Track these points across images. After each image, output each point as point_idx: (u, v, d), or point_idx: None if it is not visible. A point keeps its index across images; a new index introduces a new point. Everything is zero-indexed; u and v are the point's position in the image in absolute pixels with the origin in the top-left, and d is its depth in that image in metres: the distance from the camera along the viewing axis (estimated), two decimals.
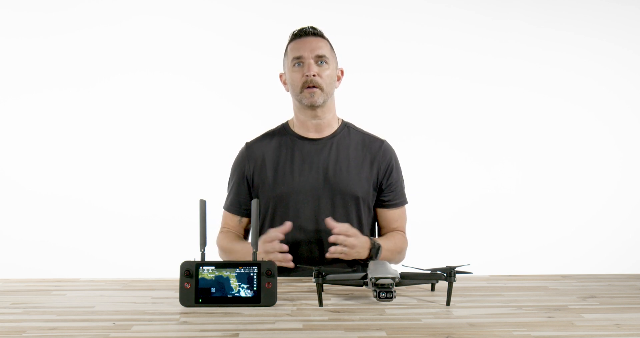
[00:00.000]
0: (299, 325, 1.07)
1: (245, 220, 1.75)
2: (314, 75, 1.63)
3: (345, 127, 1.76)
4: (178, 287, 1.24)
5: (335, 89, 1.73)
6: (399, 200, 1.75)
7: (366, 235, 1.64)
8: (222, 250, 1.72)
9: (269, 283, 1.22)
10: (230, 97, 3.15)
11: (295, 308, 1.20)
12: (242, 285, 1.22)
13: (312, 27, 1.70)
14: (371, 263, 1.31)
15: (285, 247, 1.51)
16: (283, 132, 1.76)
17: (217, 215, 1.77)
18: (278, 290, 1.31)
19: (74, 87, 3.13)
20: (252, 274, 1.22)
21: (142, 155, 3.11)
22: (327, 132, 1.73)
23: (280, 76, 1.77)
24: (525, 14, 3.25)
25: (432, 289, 1.36)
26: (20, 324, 1.09)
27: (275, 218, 1.68)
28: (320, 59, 1.65)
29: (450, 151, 3.24)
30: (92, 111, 3.12)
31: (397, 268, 1.34)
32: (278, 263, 1.52)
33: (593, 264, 2.84)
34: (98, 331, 1.04)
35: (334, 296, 1.30)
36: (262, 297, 1.21)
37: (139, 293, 1.34)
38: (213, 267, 1.22)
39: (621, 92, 3.28)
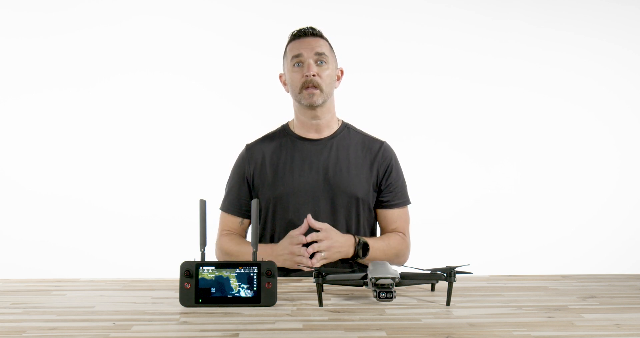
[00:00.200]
0: (299, 325, 1.07)
1: (246, 221, 1.75)
2: (313, 75, 1.63)
3: (345, 128, 1.77)
4: (178, 287, 1.24)
5: (335, 89, 1.74)
6: (398, 201, 1.74)
7: (361, 235, 1.64)
8: (229, 253, 1.68)
9: (269, 283, 1.22)
10: (230, 97, 3.15)
11: (295, 308, 1.20)
12: (242, 285, 1.22)
13: (311, 28, 1.70)
14: (371, 263, 1.31)
15: (312, 251, 1.52)
16: (283, 133, 1.76)
17: (216, 215, 1.77)
18: (278, 290, 1.31)
19: (74, 87, 3.13)
20: (252, 274, 1.22)
21: (142, 155, 3.11)
22: (327, 132, 1.73)
23: (280, 77, 1.77)
24: (525, 14, 3.25)
25: (432, 289, 1.36)
26: (20, 324, 1.09)
27: (275, 219, 1.68)
28: (319, 59, 1.65)
29: (450, 152, 3.24)
30: (92, 111, 3.12)
31: (397, 268, 1.34)
32: (302, 267, 1.53)
33: (593, 264, 2.85)
34: (98, 331, 1.04)
35: (334, 296, 1.30)
36: (262, 297, 1.21)
37: (139, 293, 1.34)
38: (213, 267, 1.22)
39: (621, 92, 3.28)
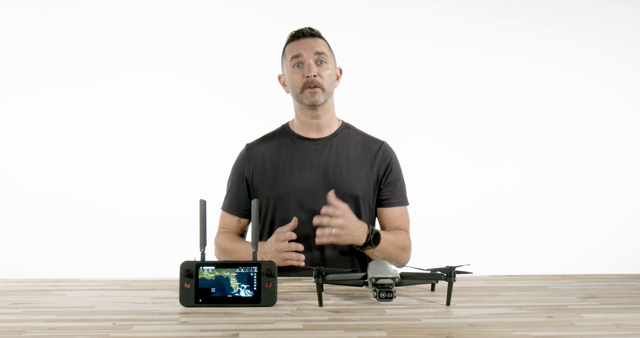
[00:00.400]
0: (299, 325, 1.07)
1: (244, 220, 1.76)
2: (314, 75, 1.63)
3: (346, 128, 1.77)
4: (178, 287, 1.24)
5: (335, 89, 1.74)
6: (399, 199, 1.74)
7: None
8: (223, 250, 1.71)
9: (269, 283, 1.22)
10: (230, 97, 3.15)
11: (295, 308, 1.20)
12: (242, 285, 1.22)
13: (310, 28, 1.70)
14: (371, 263, 1.31)
15: (301, 246, 1.52)
16: (283, 133, 1.76)
17: (216, 215, 1.77)
18: (278, 290, 1.31)
19: (74, 87, 3.13)
20: (252, 274, 1.22)
21: (142, 155, 3.11)
22: (327, 132, 1.73)
23: (279, 78, 1.77)
24: (525, 14, 3.25)
25: (432, 289, 1.36)
26: (20, 324, 1.09)
27: (275, 218, 1.68)
28: (320, 59, 1.66)
29: (450, 152, 3.24)
30: (92, 111, 3.12)
31: (397, 268, 1.34)
32: (290, 263, 1.53)
33: (593, 264, 2.85)
34: (98, 331, 1.04)
35: (334, 296, 1.30)
36: (262, 297, 1.21)
37: (139, 293, 1.34)
38: (213, 267, 1.22)
39: (621, 92, 3.28)
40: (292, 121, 1.78)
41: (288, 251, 1.53)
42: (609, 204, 3.26)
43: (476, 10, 3.25)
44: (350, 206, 1.66)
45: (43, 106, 3.11)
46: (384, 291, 1.16)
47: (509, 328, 1.05)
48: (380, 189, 1.73)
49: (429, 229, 2.81)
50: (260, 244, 1.60)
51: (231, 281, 1.22)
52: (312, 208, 1.64)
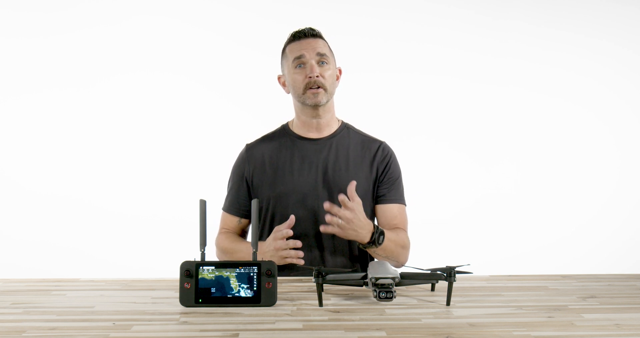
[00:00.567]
0: (299, 325, 1.07)
1: (244, 220, 1.76)
2: (317, 76, 1.63)
3: (345, 128, 1.77)
4: (178, 287, 1.24)
5: (335, 89, 1.73)
6: (395, 197, 1.73)
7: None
8: (224, 250, 1.71)
9: (269, 283, 1.22)
10: (230, 97, 3.15)
11: (295, 308, 1.20)
12: (242, 285, 1.22)
13: (311, 28, 1.70)
14: (371, 263, 1.31)
15: (299, 243, 1.52)
16: (283, 133, 1.76)
17: (217, 215, 1.77)
18: (278, 290, 1.31)
19: (74, 87, 3.13)
20: (252, 274, 1.22)
21: (142, 155, 3.11)
22: (327, 132, 1.73)
23: (279, 78, 1.77)
24: (525, 14, 3.25)
25: (432, 289, 1.36)
26: (20, 324, 1.09)
27: (274, 218, 1.69)
28: (321, 60, 1.66)
29: (450, 152, 3.23)
30: (92, 111, 3.12)
31: (397, 268, 1.34)
32: (290, 260, 1.53)
33: (593, 264, 2.85)
34: (98, 331, 1.04)
35: (334, 296, 1.30)
36: (262, 297, 1.21)
37: (139, 293, 1.34)
38: (213, 267, 1.22)
39: (621, 92, 3.28)
40: (292, 121, 1.78)
41: (286, 249, 1.53)
42: (609, 204, 3.26)
43: (476, 10, 3.25)
44: None
45: (43, 106, 3.11)
46: (384, 291, 1.16)
47: (509, 328, 1.05)
48: (378, 186, 1.72)
49: (429, 229, 2.82)
50: (260, 244, 1.60)
51: (231, 282, 1.22)
52: (311, 208, 1.65)
